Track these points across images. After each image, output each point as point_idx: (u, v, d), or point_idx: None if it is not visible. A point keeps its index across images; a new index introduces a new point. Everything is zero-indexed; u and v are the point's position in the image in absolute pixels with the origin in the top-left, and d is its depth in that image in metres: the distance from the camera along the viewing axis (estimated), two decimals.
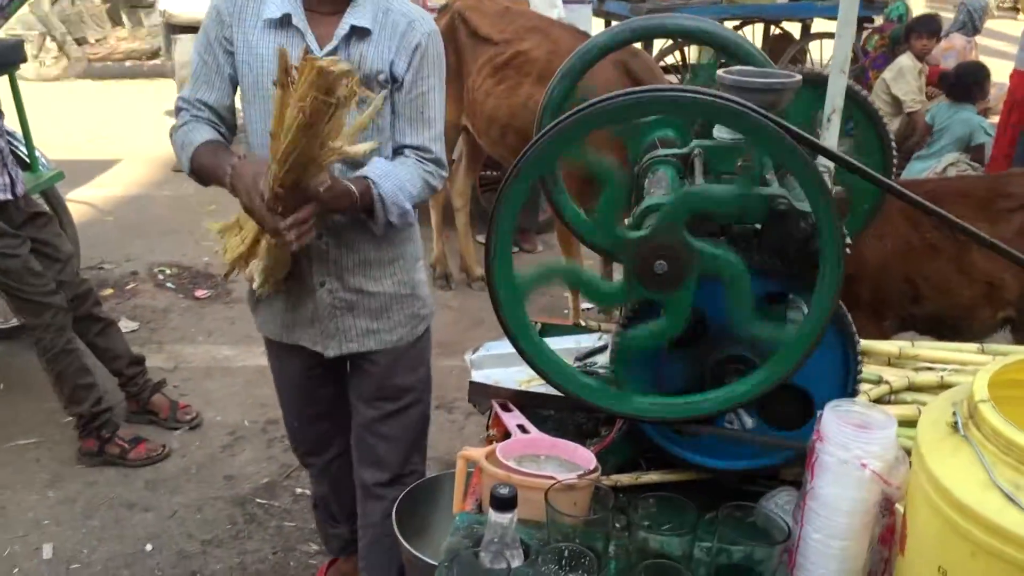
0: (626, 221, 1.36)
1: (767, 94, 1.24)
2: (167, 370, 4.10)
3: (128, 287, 4.96)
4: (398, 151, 2.06)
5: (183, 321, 4.62)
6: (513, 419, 1.54)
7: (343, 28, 1.95)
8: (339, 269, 2.11)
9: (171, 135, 2.06)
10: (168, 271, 5.15)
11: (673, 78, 7.21)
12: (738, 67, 1.40)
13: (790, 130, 1.14)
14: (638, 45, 5.94)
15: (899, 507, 1.14)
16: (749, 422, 1.38)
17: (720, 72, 1.30)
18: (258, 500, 3.26)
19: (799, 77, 1.28)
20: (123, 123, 8.31)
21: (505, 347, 1.77)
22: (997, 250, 1.24)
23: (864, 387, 1.56)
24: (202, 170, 1.98)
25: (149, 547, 3.02)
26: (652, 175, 1.56)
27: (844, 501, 1.10)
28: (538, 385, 1.63)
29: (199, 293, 4.90)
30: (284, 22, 1.95)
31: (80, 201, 6.03)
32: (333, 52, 1.94)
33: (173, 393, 3.85)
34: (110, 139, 7.83)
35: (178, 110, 2.08)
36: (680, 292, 1.22)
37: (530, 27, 4.43)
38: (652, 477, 1.47)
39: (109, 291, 4.85)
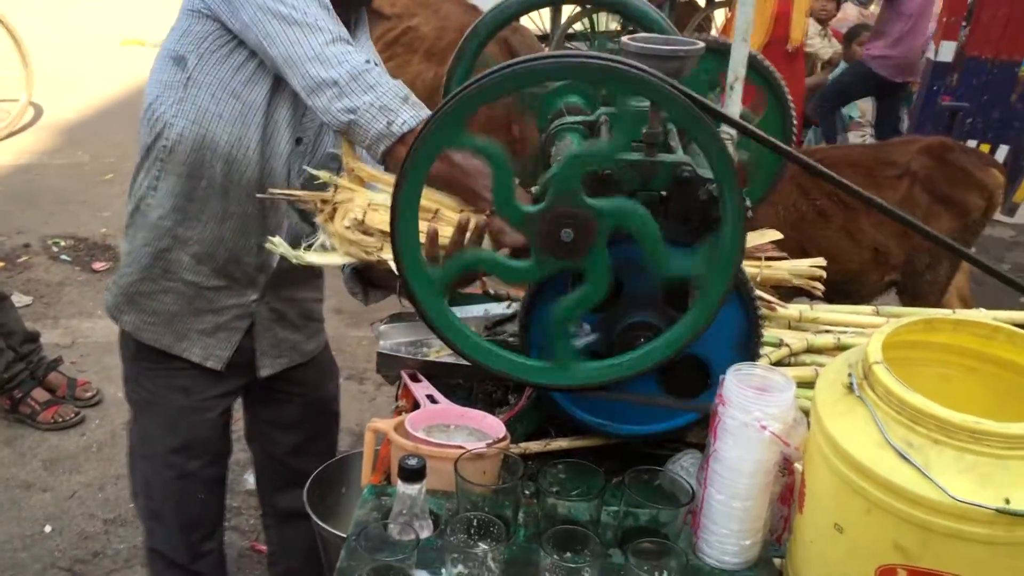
0: (533, 189, 1.36)
1: (671, 61, 1.24)
2: (64, 346, 3.95)
3: (20, 260, 4.73)
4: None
5: (80, 295, 4.44)
6: (422, 389, 1.53)
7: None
8: (283, 281, 1.95)
9: (350, 79, 1.55)
10: (63, 243, 4.94)
11: (581, 45, 7.21)
12: (643, 34, 1.40)
13: (693, 97, 1.15)
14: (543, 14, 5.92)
15: (798, 466, 1.17)
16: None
17: (625, 39, 1.29)
18: None
19: (702, 45, 1.29)
20: None
21: (414, 317, 1.75)
22: (892, 215, 1.28)
23: (766, 350, 1.60)
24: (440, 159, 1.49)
25: (48, 528, 2.92)
26: (559, 141, 1.56)
27: (745, 463, 1.13)
28: (447, 355, 1.62)
29: (97, 265, 4.71)
30: None
31: None
32: None
33: (71, 370, 3.71)
34: None
35: (333, 42, 1.58)
36: (594, 255, 1.21)
37: (421, 1, 4.35)
38: (561, 444, 1.47)
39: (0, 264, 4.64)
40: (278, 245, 1.58)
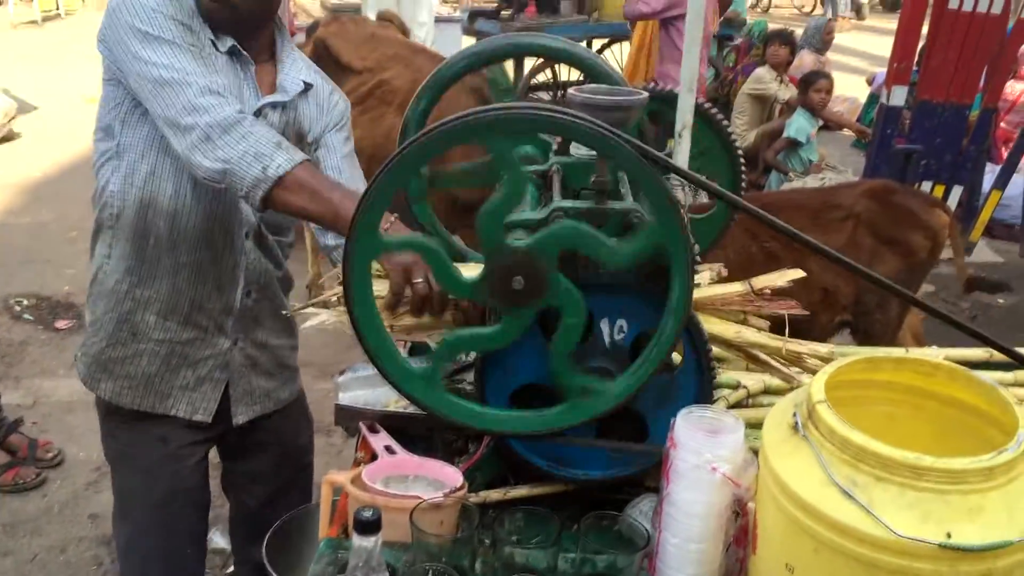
0: None
1: (615, 111, 1.27)
2: (25, 406, 3.88)
3: None
4: None
5: (42, 354, 4.39)
6: (380, 440, 1.53)
7: (295, 84, 1.84)
8: (252, 323, 1.96)
9: (222, 131, 1.57)
10: (26, 302, 4.89)
11: (544, 95, 7.34)
12: (589, 86, 1.43)
13: (638, 147, 1.18)
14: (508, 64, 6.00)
15: (752, 507, 1.18)
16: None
17: (571, 91, 1.33)
18: None
19: (645, 95, 1.32)
20: None
21: (372, 368, 1.75)
22: (836, 260, 1.31)
23: (724, 392, 1.62)
24: (319, 200, 1.57)
25: None
26: None
27: (698, 505, 1.14)
28: (406, 406, 1.62)
29: (60, 324, 4.67)
30: (232, 53, 1.76)
31: None
32: (282, 105, 1.83)
33: (32, 430, 3.65)
34: None
35: (203, 94, 1.60)
36: (554, 286, 1.22)
37: (392, 55, 4.39)
38: (521, 491, 1.47)
39: None
40: (298, 308, 1.58)
